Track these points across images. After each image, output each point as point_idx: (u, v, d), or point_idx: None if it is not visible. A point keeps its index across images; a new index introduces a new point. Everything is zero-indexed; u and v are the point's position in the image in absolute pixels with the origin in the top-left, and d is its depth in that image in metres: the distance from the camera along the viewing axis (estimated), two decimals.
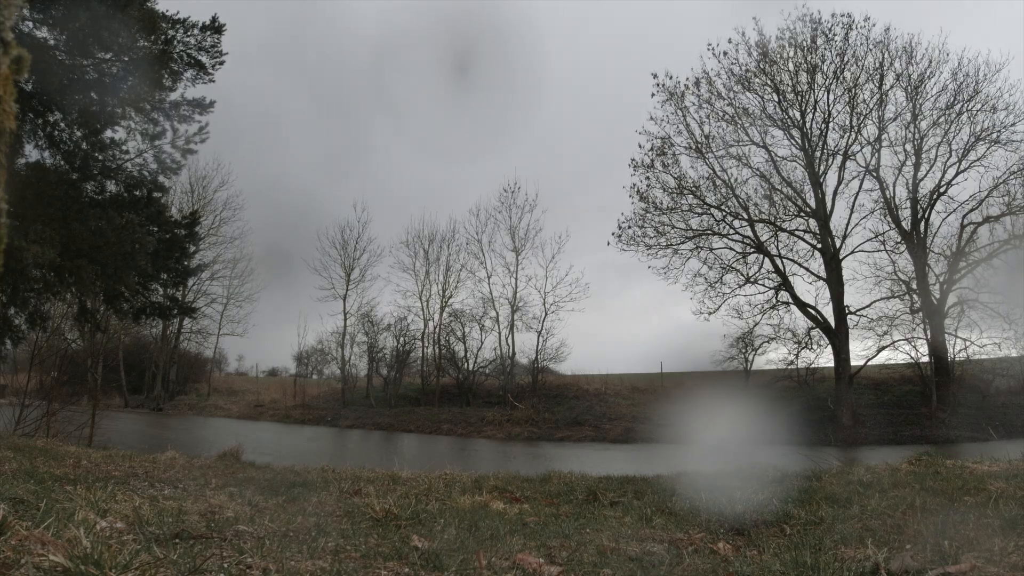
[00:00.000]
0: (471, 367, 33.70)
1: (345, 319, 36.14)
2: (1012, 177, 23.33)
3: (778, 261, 26.29)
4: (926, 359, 24.80)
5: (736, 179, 26.36)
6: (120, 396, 36.80)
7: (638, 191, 26.86)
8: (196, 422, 31.74)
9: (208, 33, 12.11)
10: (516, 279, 32.70)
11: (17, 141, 10.57)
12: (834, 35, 24.78)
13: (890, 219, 25.25)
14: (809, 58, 25.03)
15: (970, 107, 23.77)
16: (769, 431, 16.43)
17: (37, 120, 11.55)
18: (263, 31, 55.62)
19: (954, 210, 24.44)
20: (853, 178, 25.55)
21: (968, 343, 24.12)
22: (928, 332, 24.68)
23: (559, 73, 60.89)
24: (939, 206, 24.72)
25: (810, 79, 25.11)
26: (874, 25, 24.63)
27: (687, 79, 26.27)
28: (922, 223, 24.91)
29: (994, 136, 23.45)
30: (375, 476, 5.95)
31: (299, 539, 2.91)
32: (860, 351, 25.73)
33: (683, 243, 26.65)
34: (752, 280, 26.49)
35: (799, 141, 25.57)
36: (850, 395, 24.02)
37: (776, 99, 25.50)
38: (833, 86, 25.04)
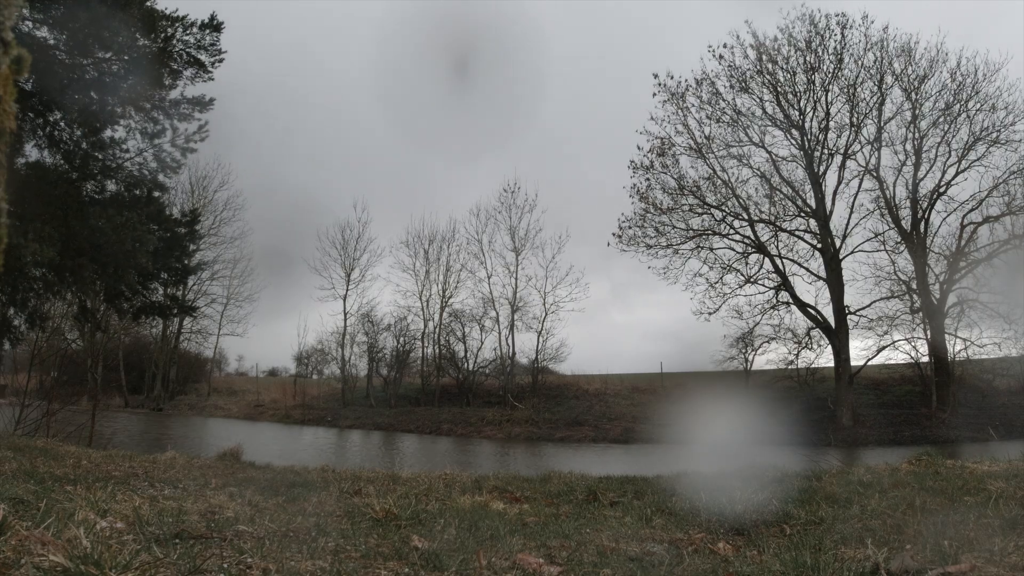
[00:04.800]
0: (471, 367, 33.73)
1: (345, 319, 36.20)
2: (1012, 177, 23.36)
3: (778, 261, 26.32)
4: (926, 359, 24.82)
5: (736, 179, 26.41)
6: (120, 396, 36.80)
7: (638, 191, 26.90)
8: (196, 422, 31.75)
9: (207, 31, 12.11)
10: (516, 279, 32.74)
11: (17, 140, 10.57)
12: (832, 34, 24.82)
13: (890, 219, 25.28)
14: (807, 58, 25.07)
15: (969, 107, 23.80)
16: (769, 431, 16.43)
17: (37, 120, 11.55)
18: (263, 30, 55.62)
19: (954, 210, 24.50)
20: (853, 178, 25.61)
21: (968, 343, 24.17)
22: (928, 332, 24.69)
23: (560, 73, 60.93)
24: (939, 206, 24.77)
25: (809, 79, 25.13)
26: (872, 23, 24.68)
27: (688, 79, 26.32)
28: (922, 223, 24.93)
29: (994, 136, 23.48)
30: (375, 476, 5.95)
31: (299, 539, 2.91)
32: (860, 351, 25.80)
33: (683, 243, 26.68)
34: (752, 280, 26.51)
35: (799, 141, 25.60)
36: (850, 395, 24.02)
37: (775, 99, 25.53)
38: (832, 86, 25.09)
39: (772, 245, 26.36)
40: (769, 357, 27.42)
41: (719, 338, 26.93)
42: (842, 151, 25.22)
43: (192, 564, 2.28)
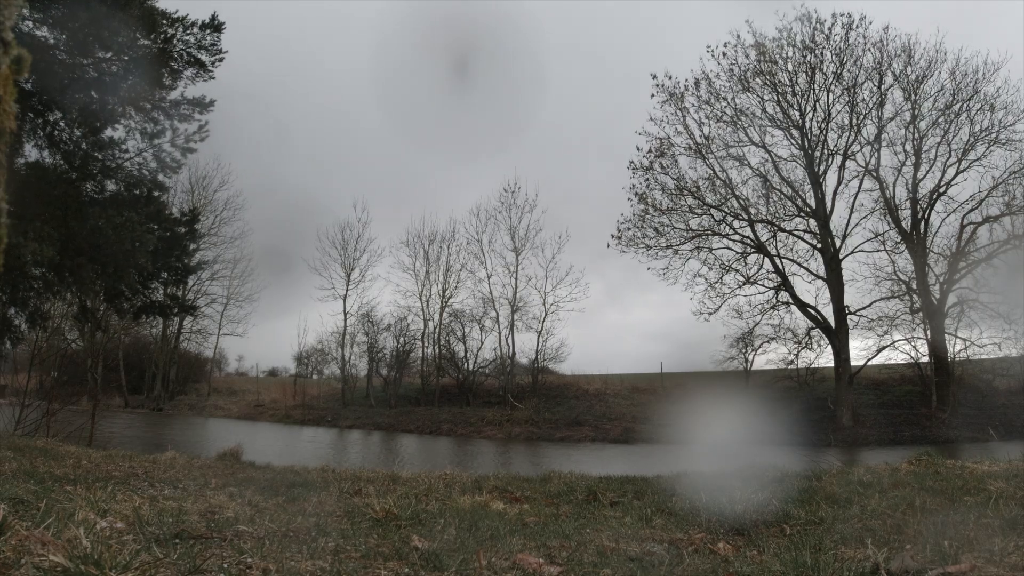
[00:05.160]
0: (471, 367, 33.73)
1: (345, 319, 36.19)
2: (1012, 177, 23.33)
3: (778, 261, 26.31)
4: (926, 359, 24.81)
5: (736, 180, 26.40)
6: (120, 396, 36.81)
7: (637, 192, 26.89)
8: (196, 422, 31.75)
9: (208, 31, 12.11)
10: (516, 279, 32.71)
11: (17, 140, 10.57)
12: (833, 35, 24.82)
13: (890, 219, 25.27)
14: (808, 58, 25.06)
15: (969, 107, 23.79)
16: (769, 431, 16.42)
17: (37, 120, 11.55)
18: (264, 30, 55.63)
19: (954, 210, 24.48)
20: (853, 178, 25.60)
21: (968, 343, 24.14)
22: (928, 332, 24.68)
23: (560, 73, 60.95)
24: (939, 206, 24.75)
25: (809, 79, 25.12)
26: (870, 23, 24.67)
27: (687, 80, 26.31)
28: (922, 223, 24.92)
29: (993, 136, 23.46)
30: (375, 476, 5.95)
31: (299, 539, 2.91)
32: (860, 351, 25.80)
33: (683, 244, 26.66)
34: (752, 280, 26.49)
35: (799, 141, 25.59)
36: (850, 395, 24.01)
37: (775, 99, 25.53)
38: (832, 86, 25.06)
39: (772, 245, 26.38)
40: (769, 357, 27.45)
41: (715, 338, 26.99)
42: (842, 151, 25.23)
43: (192, 564, 2.28)
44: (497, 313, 33.17)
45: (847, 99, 24.92)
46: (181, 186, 35.02)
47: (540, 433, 26.11)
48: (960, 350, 24.31)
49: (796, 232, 26.17)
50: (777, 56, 25.26)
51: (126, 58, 11.27)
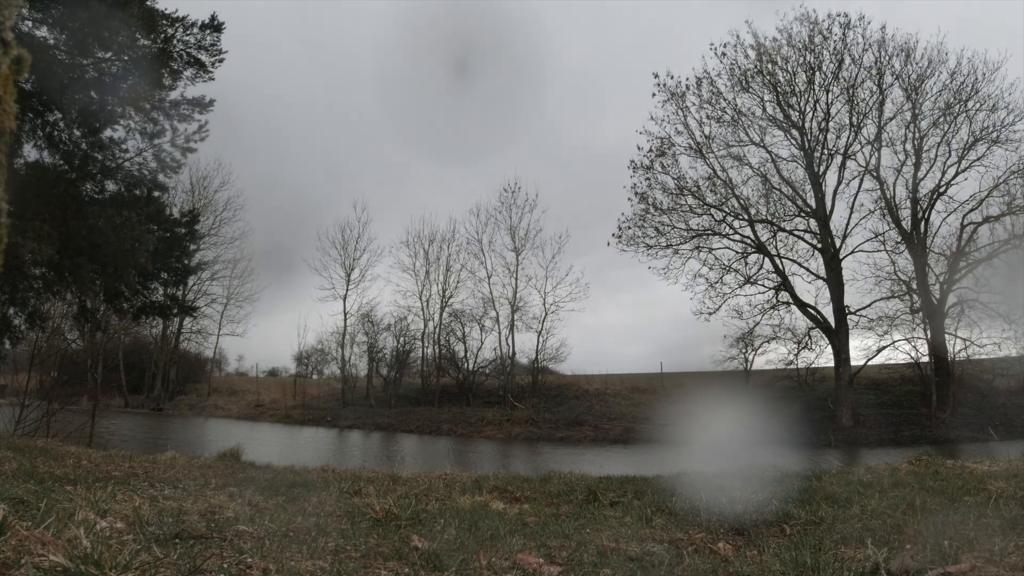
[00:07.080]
0: (471, 367, 33.73)
1: (345, 319, 36.21)
2: (1012, 177, 23.34)
3: (778, 261, 26.31)
4: (926, 359, 24.81)
5: (736, 179, 26.41)
6: (120, 396, 36.80)
7: (638, 191, 26.91)
8: (196, 422, 31.75)
9: (208, 31, 12.09)
10: (516, 279, 32.73)
11: (17, 140, 10.57)
12: (831, 34, 24.82)
13: (890, 219, 25.27)
14: (807, 58, 25.06)
15: (969, 107, 23.79)
16: (769, 431, 16.43)
17: (37, 120, 11.53)
18: (264, 30, 55.62)
19: (954, 210, 24.48)
20: (853, 178, 25.61)
21: (968, 343, 24.14)
22: (928, 332, 24.68)
23: (561, 73, 60.94)
24: (939, 206, 24.75)
25: (809, 79, 25.13)
26: (869, 23, 24.67)
27: (688, 79, 26.32)
28: (922, 223, 24.92)
29: (993, 136, 23.46)
30: (375, 476, 5.95)
31: (299, 539, 2.91)
32: (860, 351, 25.80)
33: (683, 243, 26.68)
34: (752, 280, 26.51)
35: (799, 141, 25.60)
36: (850, 395, 24.01)
37: (775, 99, 25.53)
38: (832, 86, 25.07)
39: (772, 245, 26.39)
40: (769, 357, 27.45)
41: (681, 339, 27.10)
42: (842, 151, 25.24)
43: (192, 564, 2.28)
44: (497, 313, 33.22)
45: (846, 99, 24.94)
46: (181, 186, 35.11)
47: (540, 433, 26.11)
48: (960, 350, 24.34)
49: (796, 232, 26.22)
50: (776, 56, 25.28)
51: (126, 58, 11.25)
